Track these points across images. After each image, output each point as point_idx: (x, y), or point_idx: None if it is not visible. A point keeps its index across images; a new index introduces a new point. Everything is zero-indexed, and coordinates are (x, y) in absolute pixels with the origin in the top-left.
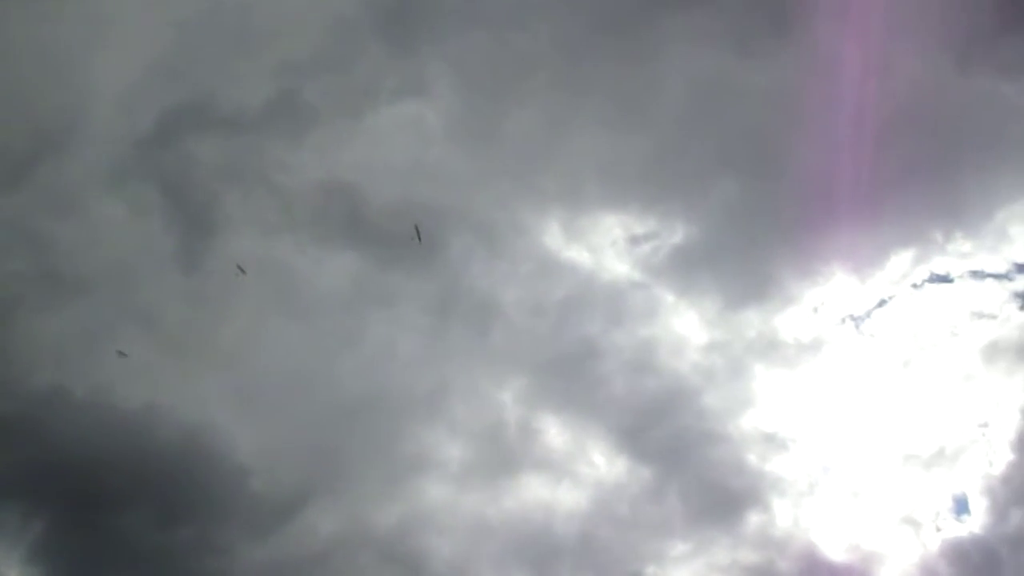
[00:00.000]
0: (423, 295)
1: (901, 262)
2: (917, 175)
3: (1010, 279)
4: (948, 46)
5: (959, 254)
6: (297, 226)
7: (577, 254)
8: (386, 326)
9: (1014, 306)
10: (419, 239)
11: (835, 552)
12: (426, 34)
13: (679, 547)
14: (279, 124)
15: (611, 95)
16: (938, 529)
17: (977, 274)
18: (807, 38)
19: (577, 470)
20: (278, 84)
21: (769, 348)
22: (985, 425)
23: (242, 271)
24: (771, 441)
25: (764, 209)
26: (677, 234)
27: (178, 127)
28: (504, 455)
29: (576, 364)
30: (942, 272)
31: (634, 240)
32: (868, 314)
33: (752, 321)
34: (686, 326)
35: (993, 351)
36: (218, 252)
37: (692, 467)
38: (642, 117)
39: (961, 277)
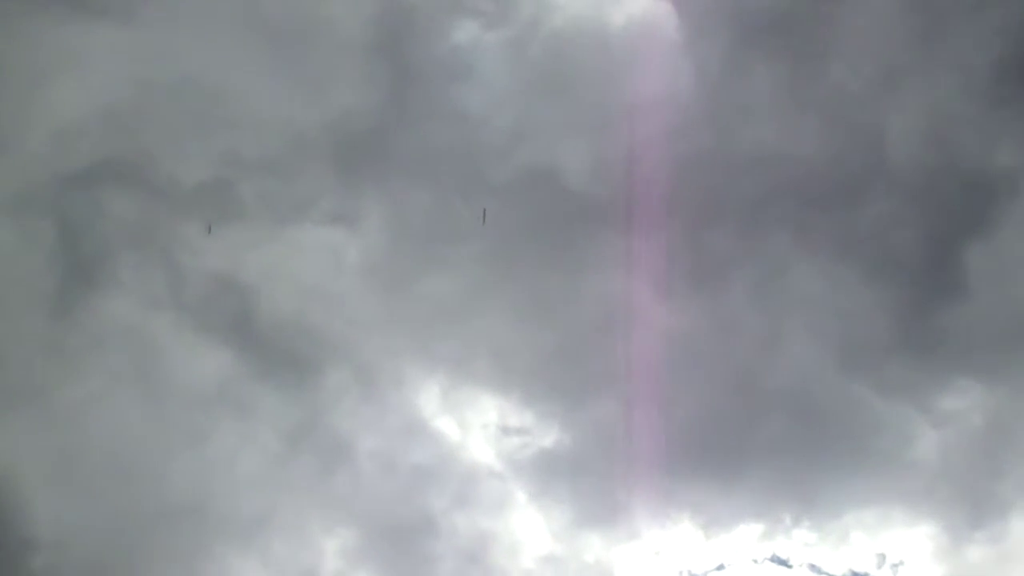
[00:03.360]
0: (282, 417)
1: (749, 533)
2: (782, 456)
3: None
4: (839, 349)
5: (803, 542)
6: (182, 308)
7: (446, 425)
8: (235, 437)
9: None
10: (484, 221)
11: None
12: (374, 172)
13: None
14: (202, 207)
15: (528, 289)
16: None
17: (815, 568)
18: (720, 297)
19: None
20: (216, 170)
21: None
22: None
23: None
24: None
25: (636, 440)
26: (549, 437)
27: (102, 176)
28: None
29: (410, 534)
30: (783, 556)
31: (506, 430)
32: (704, 575)
33: (593, 545)
34: (530, 531)
35: None
36: (93, 308)
37: None
38: (549, 318)
39: (800, 566)
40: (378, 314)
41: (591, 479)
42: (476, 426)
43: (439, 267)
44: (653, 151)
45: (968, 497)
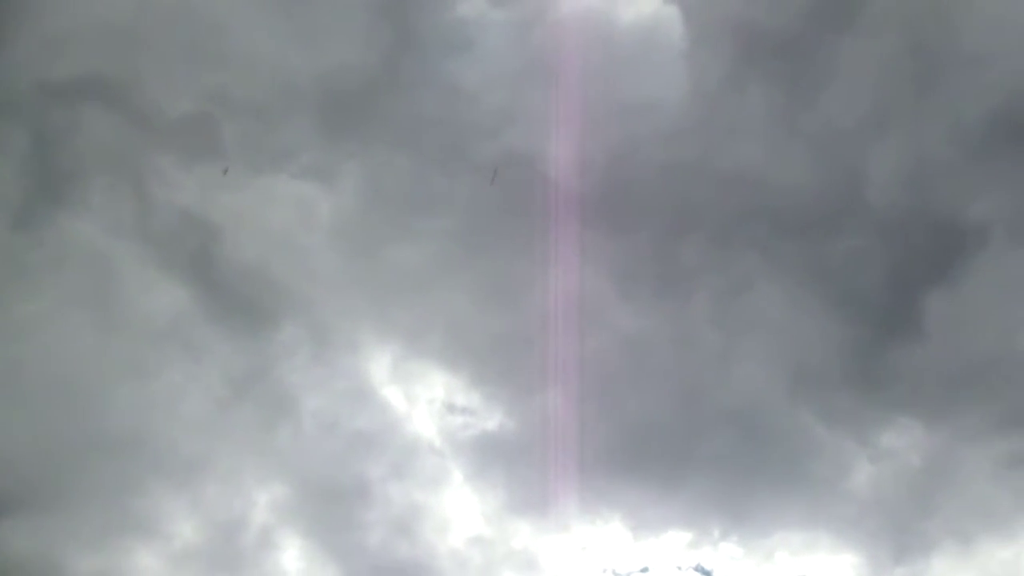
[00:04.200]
0: (231, 363)
1: (677, 540)
2: (719, 469)
3: None
4: (791, 374)
5: (728, 556)
6: (147, 239)
7: (393, 395)
8: (181, 376)
9: None
10: (493, 180)
11: None
12: (359, 132)
13: None
14: (181, 140)
15: (493, 271)
16: None
17: None
18: (681, 307)
19: None
20: (201, 105)
21: (527, 565)
22: None
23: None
24: None
25: (578, 435)
26: (492, 421)
27: (85, 92)
28: (232, 555)
29: (342, 498)
30: (708, 567)
31: (451, 408)
32: (628, 575)
33: (522, 532)
34: (462, 510)
35: None
36: (57, 226)
37: None
38: (510, 303)
39: None
40: (341, 275)
41: (528, 467)
42: (422, 400)
43: (408, 236)
44: (638, 153)
45: (894, 532)
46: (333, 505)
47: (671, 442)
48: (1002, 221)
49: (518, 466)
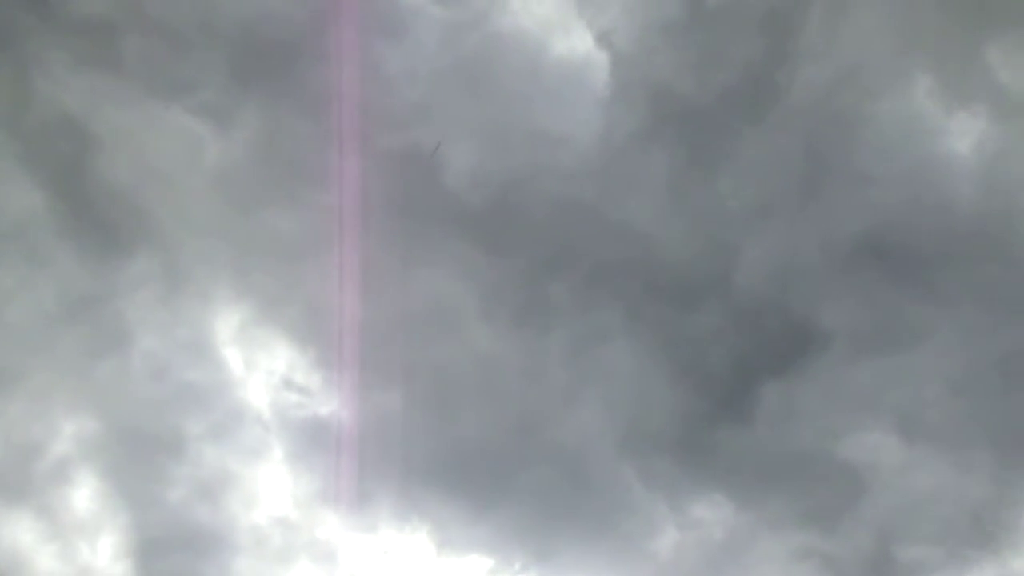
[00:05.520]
0: (73, 281)
1: (478, 564)
2: (534, 504)
3: None
4: (624, 428)
5: None
6: (15, 133)
7: (233, 357)
8: (14, 282)
9: None
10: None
11: None
12: (266, 86)
13: None
14: (80, 41)
15: (363, 258)
16: None
17: None
18: (538, 340)
19: (75, 543)
20: (111, 13)
21: (325, 557)
22: None
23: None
24: None
25: (407, 441)
26: (327, 407)
27: None
28: (20, 480)
29: (152, 447)
30: None
31: (288, 384)
32: None
33: (329, 523)
34: (273, 489)
35: None
36: None
37: None
38: (373, 296)
39: None
40: (211, 222)
41: (350, 461)
42: (262, 369)
43: (289, 203)
44: (534, 182)
45: None
46: (141, 452)
47: (494, 467)
48: (847, 333)
49: (340, 457)
